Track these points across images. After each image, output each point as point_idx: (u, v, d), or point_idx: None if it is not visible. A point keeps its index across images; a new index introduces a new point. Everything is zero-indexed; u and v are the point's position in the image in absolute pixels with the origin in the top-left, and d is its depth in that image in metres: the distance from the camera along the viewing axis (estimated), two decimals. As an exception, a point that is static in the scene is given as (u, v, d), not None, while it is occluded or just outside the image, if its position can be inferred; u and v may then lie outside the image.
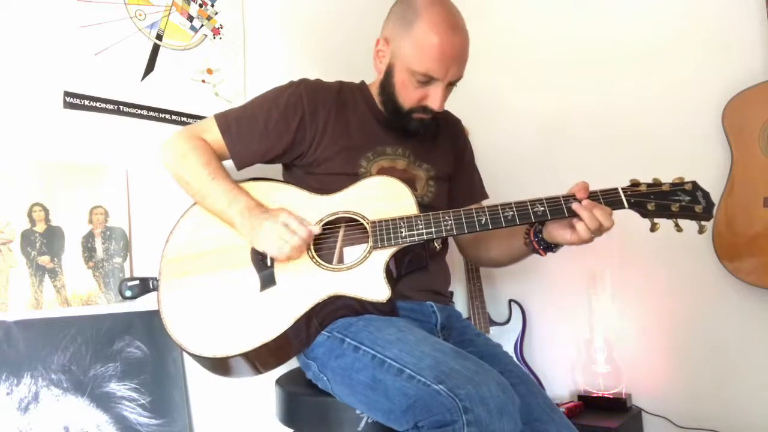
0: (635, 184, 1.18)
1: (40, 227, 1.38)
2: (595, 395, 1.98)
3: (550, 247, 1.25)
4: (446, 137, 1.47)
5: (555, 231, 1.21)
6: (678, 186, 1.17)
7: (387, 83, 1.31)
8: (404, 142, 1.36)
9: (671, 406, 1.91)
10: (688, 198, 1.15)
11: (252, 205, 1.22)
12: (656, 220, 1.16)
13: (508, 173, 2.13)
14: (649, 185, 1.17)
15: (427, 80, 1.24)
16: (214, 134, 1.31)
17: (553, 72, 2.21)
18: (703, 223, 1.16)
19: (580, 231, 1.14)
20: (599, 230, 1.14)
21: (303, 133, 1.30)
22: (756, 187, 1.66)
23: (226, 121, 1.31)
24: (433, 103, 1.27)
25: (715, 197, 1.70)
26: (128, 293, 1.34)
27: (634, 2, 2.03)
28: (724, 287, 1.80)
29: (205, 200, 1.25)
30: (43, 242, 1.38)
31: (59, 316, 1.38)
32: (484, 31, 2.35)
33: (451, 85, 1.29)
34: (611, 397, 1.95)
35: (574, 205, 1.15)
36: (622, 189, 1.17)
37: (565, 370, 2.14)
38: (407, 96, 1.28)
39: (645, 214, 1.16)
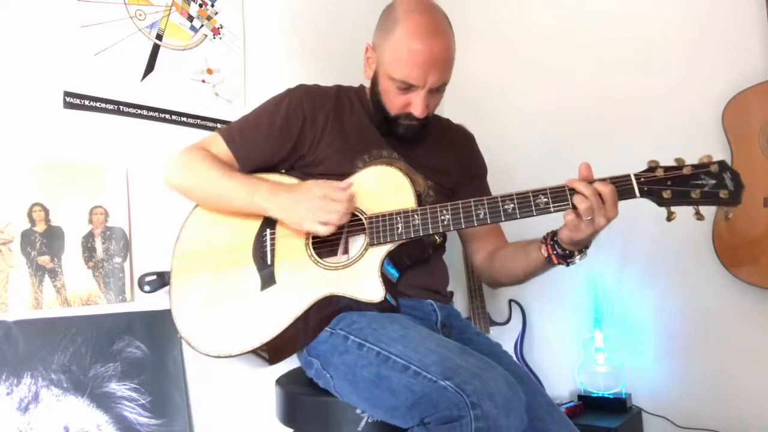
0: (652, 167, 1.06)
1: (40, 227, 1.38)
2: (595, 395, 1.98)
3: (566, 256, 1.17)
4: (452, 151, 1.45)
5: (562, 229, 1.13)
6: (702, 168, 1.04)
7: (374, 90, 1.31)
8: (401, 148, 1.35)
9: (671, 406, 1.91)
10: (712, 182, 1.03)
11: (275, 187, 1.21)
12: (673, 208, 1.05)
13: (508, 173, 2.13)
14: (667, 169, 1.05)
15: (406, 87, 1.23)
16: (218, 146, 1.30)
17: (553, 72, 2.21)
18: (729, 208, 1.04)
19: (579, 207, 1.05)
20: (597, 208, 1.04)
21: (304, 136, 1.31)
22: (756, 187, 1.66)
23: (229, 132, 1.32)
24: (415, 110, 1.25)
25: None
26: (147, 288, 1.44)
27: (635, 2, 2.03)
28: (724, 287, 1.80)
29: (228, 201, 1.24)
30: (43, 242, 1.38)
31: (59, 316, 1.38)
32: (485, 31, 2.36)
33: (436, 91, 1.26)
34: (611, 397, 1.95)
35: (570, 182, 1.07)
36: (635, 175, 1.06)
37: (565, 370, 2.14)
38: (391, 103, 1.28)
39: (660, 202, 1.05)
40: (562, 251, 1.17)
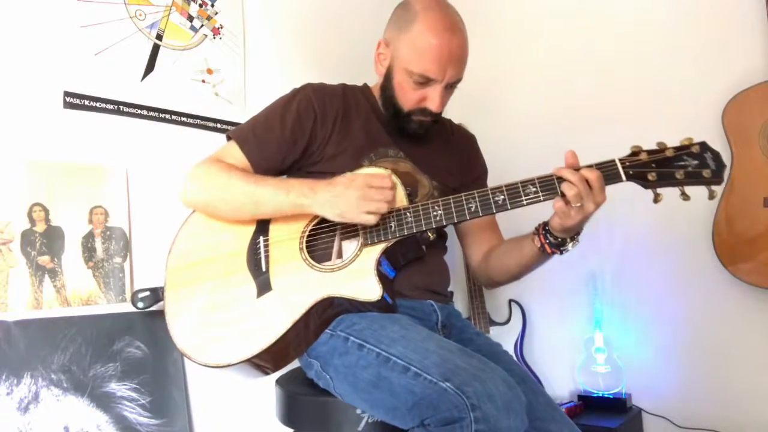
0: (635, 152, 1.09)
1: (40, 227, 1.38)
2: (595, 395, 1.98)
3: (558, 244, 1.17)
4: (455, 152, 1.46)
5: (553, 217, 1.14)
6: (684, 150, 1.07)
7: (387, 85, 1.31)
8: (407, 147, 1.35)
9: (671, 406, 1.91)
10: (695, 162, 1.06)
11: (310, 182, 1.18)
12: (659, 190, 1.07)
13: (509, 172, 2.13)
14: (650, 152, 1.08)
15: (424, 81, 1.24)
16: (233, 153, 1.27)
17: (553, 73, 2.22)
18: (713, 187, 1.06)
19: (567, 194, 1.06)
20: (585, 194, 1.06)
21: (315, 134, 1.30)
22: (756, 187, 1.66)
23: (241, 134, 1.29)
24: (432, 104, 1.26)
25: (716, 197, 1.71)
26: (140, 304, 1.43)
27: (635, 2, 2.03)
28: (724, 287, 1.80)
29: (258, 207, 1.20)
30: (43, 242, 1.38)
31: (59, 316, 1.38)
32: (487, 29, 2.36)
33: (450, 87, 1.28)
34: (611, 397, 1.96)
35: (558, 170, 1.08)
36: (620, 160, 1.09)
37: (565, 370, 2.14)
38: (406, 98, 1.28)
39: (646, 185, 1.08)
40: (555, 239, 1.17)
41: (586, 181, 1.06)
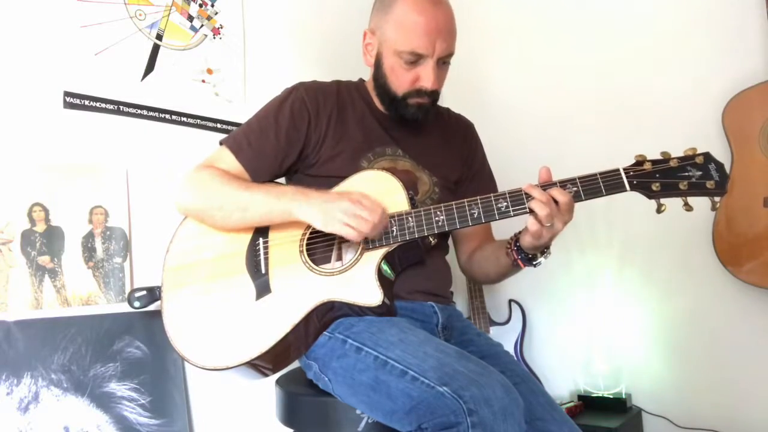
0: (639, 162, 1.10)
1: (40, 227, 1.39)
2: (595, 395, 1.98)
3: (528, 257, 1.20)
4: (455, 143, 1.44)
5: (525, 236, 1.16)
6: (688, 160, 1.08)
7: (378, 74, 1.30)
8: (405, 142, 1.34)
9: (671, 406, 1.91)
10: (699, 173, 1.06)
11: (302, 188, 1.18)
12: (663, 200, 1.08)
13: (508, 172, 2.13)
14: (654, 162, 1.09)
15: (415, 59, 1.23)
16: (226, 160, 1.26)
17: (553, 71, 2.21)
18: (716, 198, 1.07)
19: (539, 215, 1.08)
20: (555, 215, 1.08)
21: (310, 136, 1.29)
22: (756, 187, 1.66)
23: (235, 142, 1.27)
24: (426, 82, 1.24)
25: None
26: (136, 303, 1.42)
27: (635, 2, 2.03)
28: (724, 287, 1.80)
29: (248, 213, 1.19)
30: (43, 242, 1.38)
31: (59, 316, 1.38)
32: (487, 28, 2.36)
33: (443, 63, 1.27)
34: (611, 397, 1.96)
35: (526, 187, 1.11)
36: (624, 169, 1.09)
37: (565, 370, 2.14)
38: (398, 81, 1.27)
39: (650, 195, 1.09)
40: (526, 255, 1.20)
41: (555, 201, 1.09)
